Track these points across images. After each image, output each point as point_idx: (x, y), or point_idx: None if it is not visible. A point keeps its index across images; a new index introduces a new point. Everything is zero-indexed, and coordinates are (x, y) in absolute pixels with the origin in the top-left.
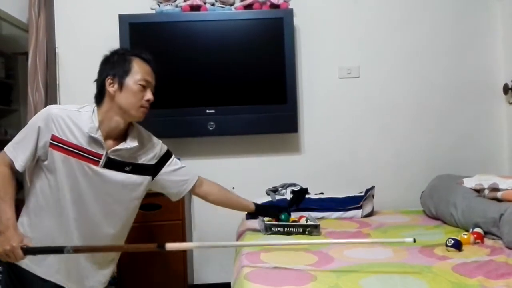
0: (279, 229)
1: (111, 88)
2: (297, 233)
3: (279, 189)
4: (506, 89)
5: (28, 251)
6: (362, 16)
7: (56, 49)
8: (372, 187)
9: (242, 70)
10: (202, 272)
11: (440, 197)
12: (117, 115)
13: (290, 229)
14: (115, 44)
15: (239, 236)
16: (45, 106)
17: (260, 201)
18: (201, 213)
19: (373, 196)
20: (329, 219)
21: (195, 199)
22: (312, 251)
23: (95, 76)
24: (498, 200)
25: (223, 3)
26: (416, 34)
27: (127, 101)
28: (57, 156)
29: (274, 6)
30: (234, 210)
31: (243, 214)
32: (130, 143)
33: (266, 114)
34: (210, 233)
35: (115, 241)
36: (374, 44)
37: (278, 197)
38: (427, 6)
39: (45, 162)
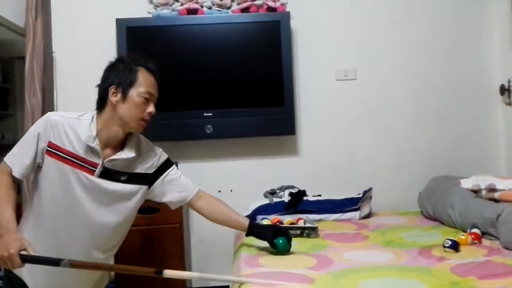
0: None
1: (114, 97)
2: (295, 235)
3: (277, 191)
4: (503, 90)
5: (26, 259)
6: (359, 18)
7: (53, 53)
8: (370, 189)
9: (240, 73)
10: None
11: (437, 198)
12: (116, 125)
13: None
14: (112, 48)
15: (237, 239)
16: (42, 110)
17: (258, 204)
18: (199, 216)
19: (370, 197)
20: (327, 221)
21: None
22: (310, 254)
23: (92, 80)
24: (495, 200)
25: (220, 6)
26: (413, 35)
27: (129, 113)
28: (52, 163)
29: (271, 9)
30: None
31: None
32: (127, 153)
33: (264, 116)
34: (208, 237)
35: (109, 251)
36: (370, 46)
37: (276, 199)
38: (423, 7)
39: (42, 169)
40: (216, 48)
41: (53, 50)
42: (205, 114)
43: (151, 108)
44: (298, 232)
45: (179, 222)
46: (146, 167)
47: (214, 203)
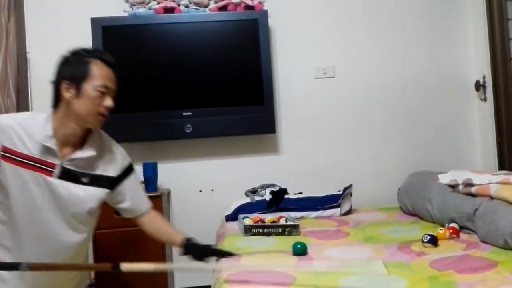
0: (258, 230)
1: (67, 93)
2: (277, 233)
3: (258, 190)
4: (478, 86)
5: None
6: (337, 16)
7: (27, 53)
8: (350, 185)
9: (218, 72)
10: (183, 276)
11: (416, 193)
12: (73, 122)
13: (270, 230)
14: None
15: (219, 238)
16: (17, 111)
17: (239, 203)
18: (181, 216)
19: (351, 194)
20: (308, 219)
21: (174, 204)
22: (292, 253)
23: None
24: (472, 195)
25: (197, 5)
26: (390, 33)
27: (84, 108)
28: (9, 168)
29: (249, 8)
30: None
31: (222, 217)
32: (87, 152)
33: (244, 115)
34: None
35: (75, 255)
36: (348, 44)
37: (257, 198)
38: (399, 6)
39: (2, 177)
40: (194, 47)
41: (27, 50)
42: (184, 113)
43: (108, 102)
44: (280, 230)
45: None
46: (109, 168)
47: (156, 222)
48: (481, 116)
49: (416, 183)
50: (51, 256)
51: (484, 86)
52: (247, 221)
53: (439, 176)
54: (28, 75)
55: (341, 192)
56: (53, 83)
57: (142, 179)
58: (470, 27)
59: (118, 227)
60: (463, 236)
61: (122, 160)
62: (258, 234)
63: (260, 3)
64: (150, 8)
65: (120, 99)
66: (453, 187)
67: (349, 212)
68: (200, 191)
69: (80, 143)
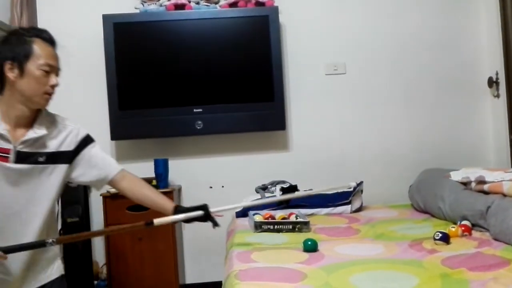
0: (269, 226)
1: (11, 73)
2: (287, 230)
3: (268, 186)
4: (491, 83)
5: None
6: (347, 12)
7: None
8: (361, 182)
9: (229, 69)
10: (193, 271)
11: (427, 190)
12: (19, 103)
13: (280, 227)
14: (99, 45)
15: (230, 234)
16: None
17: (249, 199)
18: None
19: (361, 191)
20: (318, 215)
21: (185, 200)
22: (302, 249)
23: (79, 77)
24: (485, 192)
25: (208, 1)
26: (402, 29)
27: (30, 88)
28: None
29: (259, 4)
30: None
31: (233, 213)
32: (37, 131)
33: (254, 112)
34: (200, 234)
35: (43, 235)
36: (359, 40)
37: (267, 194)
38: (411, 1)
39: None
40: (204, 44)
41: None
42: (195, 110)
43: (53, 81)
44: (290, 226)
45: None
46: (65, 144)
47: (138, 185)
48: (494, 113)
49: (428, 180)
50: (19, 232)
51: (497, 83)
52: (258, 218)
53: (451, 173)
54: None
55: (351, 189)
56: None
57: (154, 175)
58: (483, 22)
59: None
60: (475, 233)
61: (77, 134)
62: (269, 230)
63: None
64: (161, 5)
65: (131, 96)
66: (466, 184)
67: (359, 209)
68: (211, 187)
69: (30, 124)
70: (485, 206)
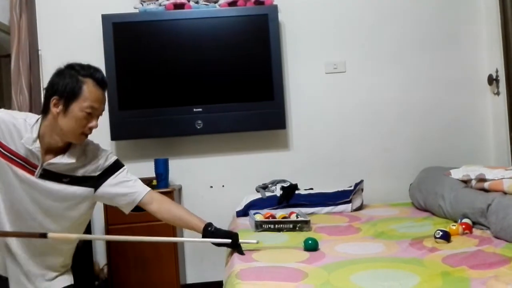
0: (269, 226)
1: (55, 108)
2: (288, 229)
3: (269, 185)
4: (491, 80)
5: None
6: (347, 11)
7: (39, 50)
8: (361, 181)
9: (228, 68)
10: (194, 271)
11: (428, 189)
12: (56, 134)
13: (281, 226)
14: (99, 45)
15: None
16: (29, 108)
17: (250, 198)
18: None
19: (362, 190)
20: (319, 214)
21: (185, 200)
22: (303, 248)
23: None
24: (485, 190)
25: (207, 0)
26: (402, 27)
27: (68, 126)
28: None
29: (259, 3)
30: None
31: (233, 212)
32: (68, 159)
33: (254, 111)
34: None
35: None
36: (359, 39)
37: (268, 193)
38: (411, 0)
39: None
40: (204, 43)
41: (39, 47)
42: (194, 109)
43: (93, 123)
44: (291, 226)
45: None
46: (90, 170)
47: (167, 207)
48: (494, 110)
49: (428, 179)
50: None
51: (497, 80)
52: (258, 217)
53: (452, 171)
54: (40, 72)
55: (352, 188)
56: (46, 92)
57: (154, 175)
58: (483, 21)
59: (130, 223)
60: (476, 231)
61: (105, 161)
62: (269, 229)
63: None
64: (160, 5)
65: (131, 96)
66: (466, 182)
67: (360, 208)
68: (211, 187)
69: (62, 151)
70: (485, 204)
